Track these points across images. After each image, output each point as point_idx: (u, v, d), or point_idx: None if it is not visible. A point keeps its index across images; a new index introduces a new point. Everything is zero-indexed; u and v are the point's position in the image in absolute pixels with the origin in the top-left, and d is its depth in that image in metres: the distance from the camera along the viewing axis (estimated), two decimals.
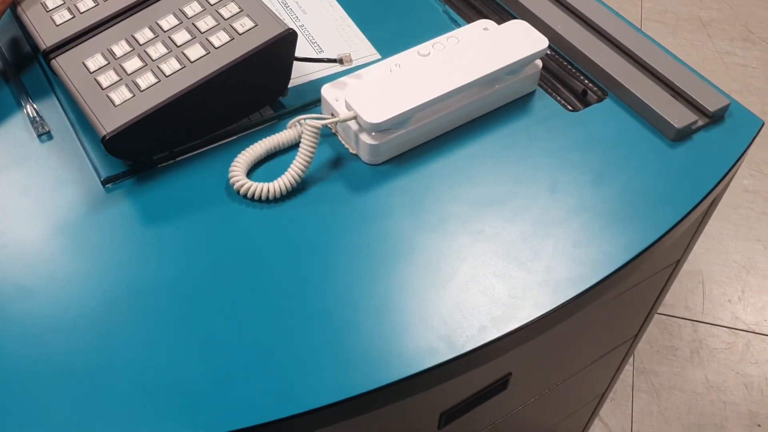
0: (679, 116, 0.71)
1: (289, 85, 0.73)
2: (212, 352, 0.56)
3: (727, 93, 0.74)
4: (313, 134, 0.65)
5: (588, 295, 0.61)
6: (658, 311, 1.57)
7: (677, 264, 0.91)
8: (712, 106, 0.72)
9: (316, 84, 0.74)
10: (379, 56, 0.79)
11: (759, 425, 1.41)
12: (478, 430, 0.94)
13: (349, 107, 0.66)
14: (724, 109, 0.73)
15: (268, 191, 0.65)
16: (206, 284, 0.60)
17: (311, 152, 0.65)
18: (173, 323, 0.58)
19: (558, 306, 0.59)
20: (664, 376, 1.47)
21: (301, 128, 0.68)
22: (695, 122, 0.71)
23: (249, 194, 0.65)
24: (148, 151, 0.68)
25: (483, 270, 0.62)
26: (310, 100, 0.73)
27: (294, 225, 0.64)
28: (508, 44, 0.71)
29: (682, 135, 0.71)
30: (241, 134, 0.71)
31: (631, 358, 1.49)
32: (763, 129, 0.74)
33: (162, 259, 0.62)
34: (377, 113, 0.65)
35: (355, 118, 0.66)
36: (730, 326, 1.55)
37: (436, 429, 0.83)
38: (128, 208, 0.66)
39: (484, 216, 0.65)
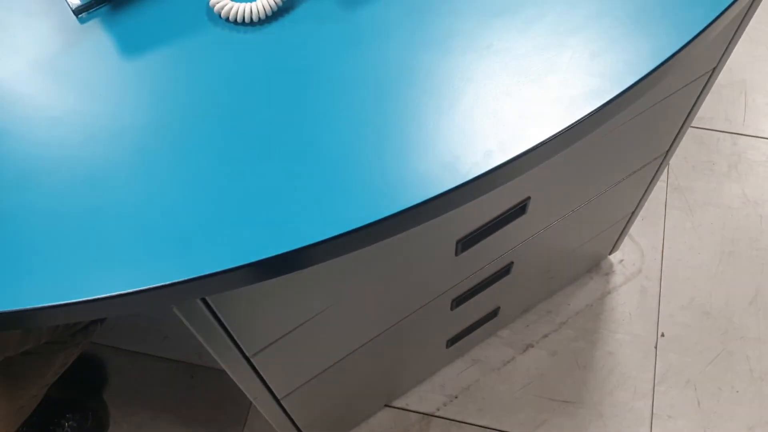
0: None
1: None
2: (204, 190, 0.53)
3: None
4: None
5: (606, 110, 0.55)
6: (696, 125, 1.49)
7: (713, 72, 0.84)
8: None
9: None
10: None
11: None
12: (500, 255, 0.92)
13: None
14: None
15: (251, 11, 0.59)
16: (193, 118, 0.56)
17: None
18: (160, 162, 0.54)
19: (571, 124, 0.54)
20: (699, 192, 1.43)
21: None
22: None
23: (231, 16, 0.59)
24: None
25: (491, 89, 0.56)
26: None
27: (282, 48, 0.59)
28: None
29: None
30: None
31: (664, 175, 1.44)
32: None
33: (144, 93, 0.57)
34: None
35: None
36: None
37: (454, 256, 0.82)
38: (105, 38, 0.60)
39: (492, 29, 0.59)
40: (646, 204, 1.41)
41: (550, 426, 1.23)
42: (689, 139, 1.48)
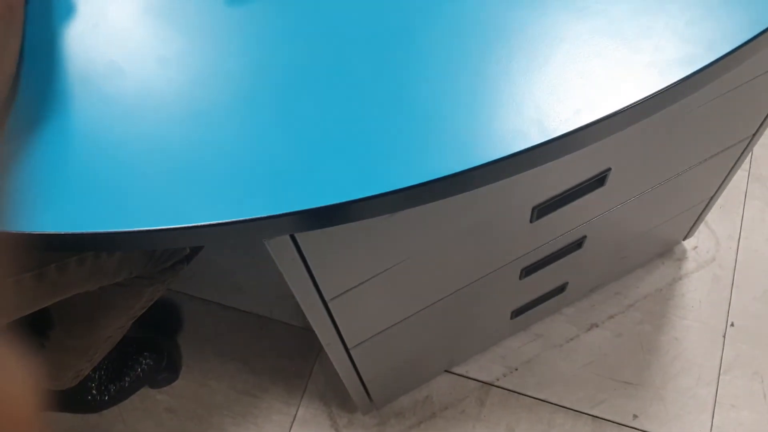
0: None
1: None
2: (300, 132, 0.56)
3: None
4: None
5: (699, 77, 0.56)
6: None
7: None
8: None
9: None
10: None
11: None
12: (574, 227, 0.92)
13: None
14: None
15: None
16: (293, 64, 0.59)
17: None
18: (262, 103, 0.57)
19: (663, 88, 0.55)
20: None
21: None
22: None
23: None
24: None
25: (583, 50, 0.57)
26: None
27: (376, 1, 0.61)
28: None
29: None
30: None
31: (746, 164, 1.41)
32: None
33: (250, 38, 0.61)
34: None
35: None
36: None
37: (528, 222, 0.83)
38: None
39: None
40: (725, 192, 1.39)
41: (609, 405, 1.23)
42: None
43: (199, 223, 0.53)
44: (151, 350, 1.24)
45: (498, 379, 1.27)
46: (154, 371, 1.25)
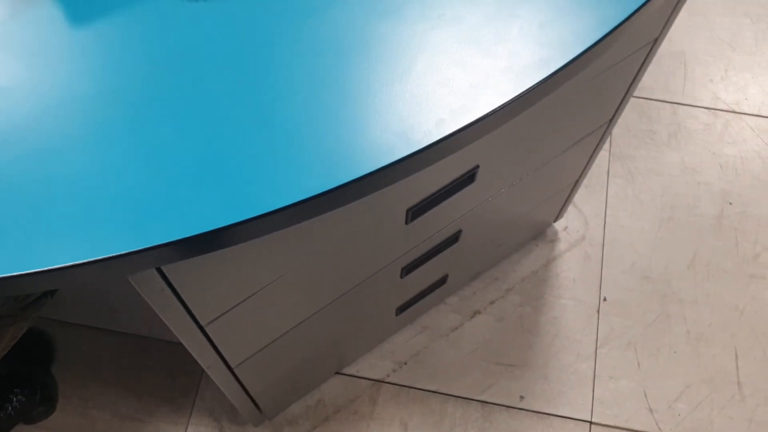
0: None
1: None
2: (159, 160, 0.53)
3: None
4: None
5: (554, 79, 0.57)
6: (637, 95, 1.53)
7: (655, 43, 0.86)
8: None
9: None
10: None
11: (730, 203, 1.42)
12: (449, 223, 0.93)
13: None
14: None
15: None
16: (147, 87, 0.55)
17: None
18: (115, 131, 0.54)
19: (521, 93, 0.55)
20: (640, 160, 1.47)
21: None
22: None
23: None
24: None
25: (442, 59, 0.57)
26: None
27: (234, 17, 0.58)
28: None
29: None
30: None
31: (607, 144, 1.48)
32: None
33: (98, 60, 0.57)
34: None
35: None
36: (710, 107, 1.53)
37: (404, 224, 0.83)
38: (52, 5, 0.59)
39: None
40: (590, 172, 1.45)
41: (497, 389, 1.26)
42: (631, 108, 1.52)
43: (52, 267, 0.50)
44: (22, 386, 1.16)
45: (389, 375, 1.27)
46: (28, 407, 1.17)
